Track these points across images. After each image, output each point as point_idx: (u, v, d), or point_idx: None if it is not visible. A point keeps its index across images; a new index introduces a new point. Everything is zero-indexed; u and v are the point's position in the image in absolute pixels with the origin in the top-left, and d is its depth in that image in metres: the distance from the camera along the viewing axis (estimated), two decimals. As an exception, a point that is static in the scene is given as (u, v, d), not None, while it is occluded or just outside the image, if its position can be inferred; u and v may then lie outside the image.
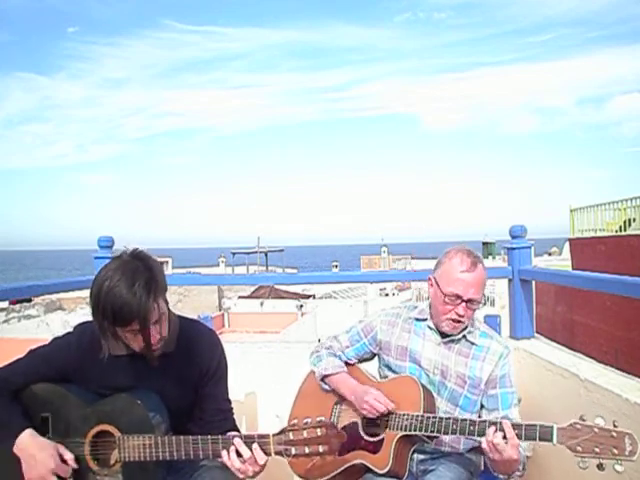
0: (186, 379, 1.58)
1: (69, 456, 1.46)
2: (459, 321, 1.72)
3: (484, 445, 1.51)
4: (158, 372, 1.54)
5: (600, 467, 1.37)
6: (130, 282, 1.37)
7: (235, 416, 1.67)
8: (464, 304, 1.70)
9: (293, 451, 1.34)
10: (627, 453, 1.35)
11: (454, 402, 1.77)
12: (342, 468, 1.77)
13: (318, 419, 1.36)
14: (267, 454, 1.38)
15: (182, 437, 1.44)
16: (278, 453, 1.36)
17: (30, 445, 1.44)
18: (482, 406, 1.78)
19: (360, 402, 1.73)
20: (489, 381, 1.75)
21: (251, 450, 1.39)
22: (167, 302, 1.51)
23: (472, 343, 1.78)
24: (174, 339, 1.56)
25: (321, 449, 1.33)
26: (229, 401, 1.67)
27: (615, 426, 1.38)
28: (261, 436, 1.39)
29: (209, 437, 1.44)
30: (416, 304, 1.92)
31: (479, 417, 1.76)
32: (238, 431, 1.62)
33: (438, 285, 1.75)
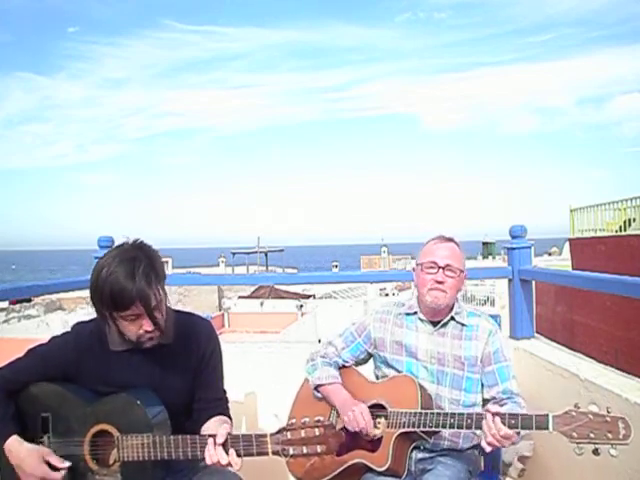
0: (186, 370, 1.59)
1: (55, 460, 1.45)
2: (440, 289, 1.75)
3: (489, 440, 1.50)
4: (158, 365, 1.55)
5: (596, 452, 1.39)
6: (130, 267, 1.40)
7: (235, 416, 1.68)
8: (442, 271, 1.76)
9: (291, 451, 1.33)
10: (621, 437, 1.38)
11: (458, 387, 1.79)
12: (341, 468, 1.77)
13: (316, 419, 1.35)
14: (265, 454, 1.37)
15: (180, 437, 1.44)
16: (275, 453, 1.35)
17: (16, 453, 1.44)
18: (482, 385, 1.80)
19: (345, 413, 1.74)
20: (483, 359, 1.78)
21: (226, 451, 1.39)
22: (165, 293, 1.52)
23: (462, 324, 1.82)
24: (171, 332, 1.57)
25: (319, 449, 1.32)
26: (225, 391, 1.68)
27: (608, 412, 1.41)
28: (258, 436, 1.38)
29: (207, 436, 1.43)
30: (403, 301, 1.95)
31: (482, 397, 1.80)
32: (230, 417, 1.63)
33: (418, 265, 1.84)
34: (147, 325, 1.44)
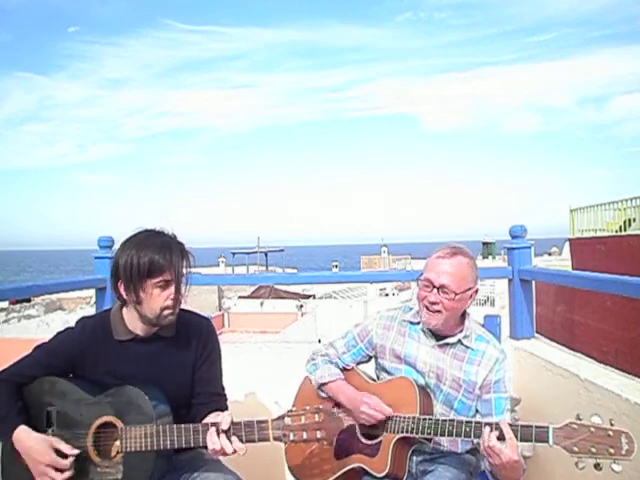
0: (185, 363, 1.63)
1: (64, 448, 1.47)
2: (434, 310, 1.69)
3: (482, 450, 1.50)
4: (159, 357, 1.60)
5: (597, 467, 1.36)
6: (163, 239, 1.54)
7: (235, 416, 1.69)
8: (436, 291, 1.67)
9: (291, 436, 1.36)
10: (624, 452, 1.34)
11: (449, 405, 1.76)
12: (340, 472, 1.76)
13: (316, 406, 1.38)
14: (266, 439, 1.40)
15: (183, 425, 1.47)
16: (276, 438, 1.38)
17: (24, 442, 1.47)
18: (476, 411, 1.76)
19: (357, 412, 1.72)
20: (483, 386, 1.73)
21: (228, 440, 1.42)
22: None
23: (467, 347, 1.76)
24: (173, 325, 1.61)
25: (319, 435, 1.35)
26: (223, 387, 1.71)
27: (612, 424, 1.37)
28: (260, 422, 1.42)
29: (210, 424, 1.46)
30: (412, 305, 1.89)
31: None
32: None
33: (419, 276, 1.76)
34: (176, 292, 1.53)
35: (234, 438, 1.41)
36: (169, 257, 1.50)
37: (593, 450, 1.36)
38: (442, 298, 1.68)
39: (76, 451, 1.47)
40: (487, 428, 1.49)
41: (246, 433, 1.42)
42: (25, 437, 1.47)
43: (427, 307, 1.71)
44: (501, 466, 1.48)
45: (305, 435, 1.35)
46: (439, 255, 1.72)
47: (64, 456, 1.47)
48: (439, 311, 1.69)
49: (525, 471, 1.62)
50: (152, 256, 1.49)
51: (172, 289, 1.52)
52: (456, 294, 1.67)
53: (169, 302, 1.52)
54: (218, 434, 1.41)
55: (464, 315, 1.79)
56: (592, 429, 1.38)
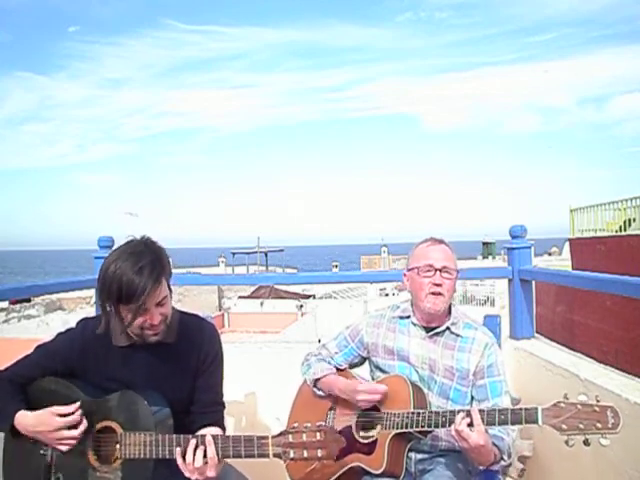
0: (187, 369, 1.60)
1: (64, 409, 1.46)
2: (439, 293, 1.75)
3: (453, 434, 1.54)
4: (159, 362, 1.57)
5: (586, 443, 1.39)
6: (136, 261, 1.43)
7: (235, 416, 1.68)
8: (439, 273, 1.75)
9: (291, 454, 1.33)
10: (610, 425, 1.38)
11: (445, 395, 1.78)
12: (339, 473, 1.76)
13: (318, 424, 1.35)
14: (265, 456, 1.37)
15: (182, 436, 1.45)
16: (276, 455, 1.35)
17: (26, 422, 1.47)
18: (472, 398, 1.78)
19: (353, 398, 1.75)
20: (477, 372, 1.75)
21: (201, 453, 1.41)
22: (171, 289, 1.55)
23: (457, 335, 1.79)
24: (175, 330, 1.59)
25: (319, 453, 1.32)
26: (222, 395, 1.69)
27: (598, 401, 1.41)
28: (260, 437, 1.38)
29: (200, 436, 1.44)
30: (398, 304, 1.93)
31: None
32: (224, 427, 1.64)
33: (411, 270, 1.81)
34: (152, 319, 1.47)
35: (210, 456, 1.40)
36: (140, 284, 1.40)
37: (581, 426, 1.39)
38: (444, 279, 1.76)
39: (77, 403, 1.47)
40: (460, 414, 1.53)
41: (245, 448, 1.39)
42: (24, 419, 1.47)
43: (432, 292, 1.75)
44: (469, 450, 1.54)
45: (306, 453, 1.32)
46: (427, 244, 1.82)
47: (68, 415, 1.46)
48: (442, 294, 1.75)
49: (511, 460, 1.64)
50: (123, 282, 1.40)
51: (147, 315, 1.46)
52: (457, 272, 1.79)
53: (146, 325, 1.48)
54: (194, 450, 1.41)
55: (450, 305, 1.84)
56: (579, 406, 1.41)
